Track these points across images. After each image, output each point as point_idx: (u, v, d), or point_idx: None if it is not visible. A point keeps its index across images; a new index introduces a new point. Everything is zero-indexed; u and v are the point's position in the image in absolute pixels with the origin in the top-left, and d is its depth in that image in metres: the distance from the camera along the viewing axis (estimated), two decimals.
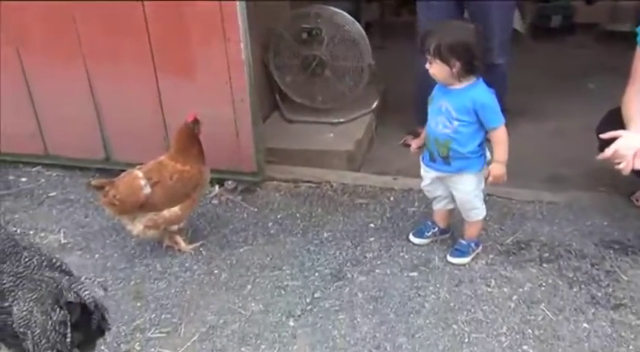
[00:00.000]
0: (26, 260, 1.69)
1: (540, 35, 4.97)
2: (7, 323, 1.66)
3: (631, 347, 2.04)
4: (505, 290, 2.30)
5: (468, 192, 2.32)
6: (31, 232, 2.73)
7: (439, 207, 2.50)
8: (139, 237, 2.50)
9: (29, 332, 1.63)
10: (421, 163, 2.41)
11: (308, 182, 3.01)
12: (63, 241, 2.67)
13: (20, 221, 2.81)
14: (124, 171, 2.50)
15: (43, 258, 1.74)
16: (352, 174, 3.10)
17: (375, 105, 3.55)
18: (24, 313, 1.64)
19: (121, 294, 2.35)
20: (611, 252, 2.46)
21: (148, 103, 2.86)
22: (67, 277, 1.76)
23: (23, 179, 3.17)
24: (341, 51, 3.28)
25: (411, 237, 2.56)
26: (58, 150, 3.16)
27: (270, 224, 2.74)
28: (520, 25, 4.81)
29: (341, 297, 2.29)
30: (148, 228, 2.42)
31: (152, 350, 2.10)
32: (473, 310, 2.21)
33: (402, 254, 2.51)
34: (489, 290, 2.30)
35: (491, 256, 2.47)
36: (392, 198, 2.87)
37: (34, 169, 3.23)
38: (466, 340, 2.09)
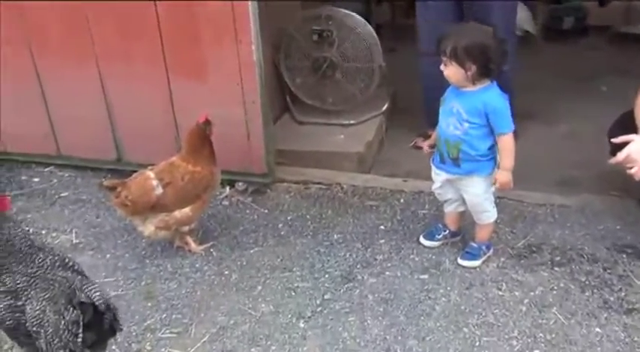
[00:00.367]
0: (40, 260, 1.71)
1: (552, 37, 4.94)
2: (20, 322, 1.68)
3: None
4: (516, 293, 2.29)
5: (477, 194, 2.31)
6: (44, 232, 2.75)
7: (450, 209, 2.49)
8: (150, 238, 2.51)
9: (42, 331, 1.65)
10: (431, 165, 2.40)
11: (318, 183, 3.01)
12: (75, 241, 2.69)
13: (33, 221, 2.83)
14: (135, 171, 2.51)
15: (57, 257, 1.75)
16: (362, 176, 3.10)
17: (385, 107, 3.55)
18: (37, 312, 1.65)
19: (132, 294, 2.36)
20: (624, 256, 2.44)
21: (159, 104, 2.87)
22: (79, 277, 1.78)
23: (36, 179, 3.20)
24: (352, 53, 3.28)
25: (422, 240, 2.56)
26: (71, 151, 3.19)
27: (280, 225, 2.74)
28: (532, 27, 4.79)
29: (351, 299, 2.29)
30: (159, 228, 2.43)
31: (163, 350, 2.11)
32: (484, 313, 2.20)
33: (412, 256, 2.50)
34: (500, 293, 2.29)
35: (502, 259, 2.46)
36: (402, 200, 2.87)
37: (46, 169, 3.25)
38: (477, 343, 2.08)
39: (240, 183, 2.97)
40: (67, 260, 1.79)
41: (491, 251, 2.46)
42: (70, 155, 3.20)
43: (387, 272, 2.42)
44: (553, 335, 2.10)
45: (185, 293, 2.36)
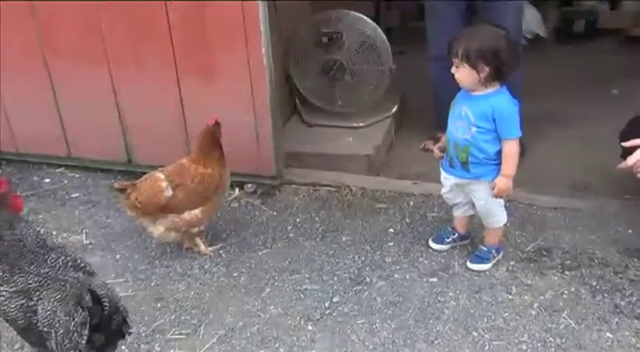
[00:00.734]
0: (52, 260, 1.72)
1: (564, 40, 4.92)
2: (31, 322, 1.69)
3: None
4: (526, 297, 2.27)
5: (486, 199, 2.30)
6: (54, 232, 2.77)
7: (459, 213, 2.48)
8: (160, 239, 2.52)
9: (53, 331, 1.66)
10: (441, 170, 2.39)
11: (327, 186, 3.01)
12: (85, 242, 2.71)
13: (44, 221, 2.85)
14: (145, 173, 2.52)
15: (69, 258, 1.76)
16: (371, 179, 3.10)
17: (394, 109, 3.55)
18: (48, 313, 1.66)
19: (142, 295, 2.37)
20: (636, 260, 2.42)
21: (170, 107, 2.89)
22: (90, 278, 1.79)
23: (47, 180, 3.22)
24: (361, 55, 3.28)
25: (431, 243, 2.55)
26: (81, 152, 3.21)
27: (289, 227, 2.74)
28: (542, 30, 4.77)
29: (360, 302, 2.29)
30: (168, 230, 2.44)
31: (171, 351, 2.12)
32: (493, 317, 2.19)
33: (421, 259, 2.50)
34: (510, 297, 2.28)
35: (512, 263, 2.44)
36: (411, 203, 2.86)
37: (57, 171, 3.28)
38: (486, 347, 2.07)
39: (249, 185, 2.98)
40: (78, 260, 1.80)
41: (500, 254, 2.45)
42: (81, 156, 3.22)
43: (396, 275, 2.41)
44: (563, 340, 2.08)
45: (194, 294, 2.37)
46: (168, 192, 2.38)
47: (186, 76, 2.81)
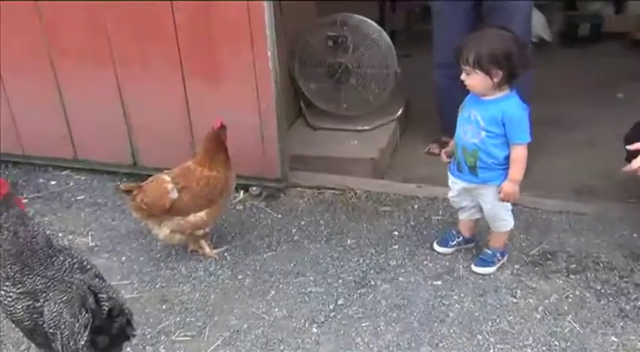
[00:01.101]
0: (59, 262, 1.73)
1: (568, 44, 4.92)
2: (38, 324, 1.70)
3: None
4: (531, 301, 2.27)
5: (493, 203, 2.30)
6: (60, 234, 2.78)
7: (465, 217, 2.48)
8: (165, 241, 2.53)
9: (58, 333, 1.67)
10: (449, 174, 2.39)
11: (332, 189, 3.01)
12: (90, 244, 2.72)
13: (49, 223, 2.87)
14: (150, 175, 2.53)
15: (75, 260, 1.77)
16: (376, 182, 3.10)
17: (399, 113, 3.55)
18: (54, 314, 1.67)
19: (147, 297, 2.38)
20: None
21: (175, 109, 2.90)
22: (96, 280, 1.80)
23: (53, 182, 3.24)
24: (366, 59, 3.29)
25: (435, 246, 2.55)
26: (87, 154, 3.22)
27: (293, 230, 2.75)
28: (547, 34, 4.77)
29: (364, 305, 2.29)
30: (174, 232, 2.45)
31: None
32: (498, 320, 2.19)
33: (426, 262, 2.50)
34: (515, 300, 2.28)
35: (516, 266, 2.44)
36: (416, 206, 2.86)
37: (63, 173, 3.29)
38: (491, 350, 2.07)
39: (254, 188, 2.99)
40: (84, 262, 1.81)
41: (505, 258, 2.45)
42: (87, 159, 3.23)
43: (401, 278, 2.42)
44: (568, 344, 2.08)
45: (199, 296, 2.37)
46: (174, 195, 2.39)
47: (192, 78, 2.82)
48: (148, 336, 2.18)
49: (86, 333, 1.65)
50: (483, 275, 2.40)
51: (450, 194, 2.43)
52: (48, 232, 2.69)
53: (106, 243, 2.72)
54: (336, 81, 3.38)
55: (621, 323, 2.15)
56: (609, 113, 3.58)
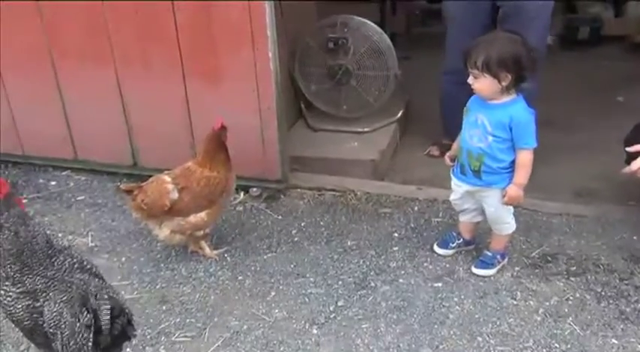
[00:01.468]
0: (59, 262, 1.72)
1: (568, 47, 4.92)
2: (37, 323, 1.70)
3: None
4: (531, 303, 2.27)
5: (497, 206, 2.29)
6: (60, 235, 2.77)
7: (466, 219, 2.48)
8: (165, 242, 2.53)
9: (59, 333, 1.66)
10: (452, 177, 2.38)
11: (332, 190, 3.01)
12: (90, 244, 2.72)
13: (49, 224, 2.86)
14: (151, 176, 2.53)
15: (75, 260, 1.77)
16: (376, 183, 3.10)
17: (399, 114, 3.56)
18: (54, 314, 1.67)
19: (147, 298, 2.37)
20: None
21: (176, 110, 2.90)
22: (96, 280, 1.79)
23: (53, 183, 3.23)
24: (367, 61, 3.30)
25: (436, 248, 2.55)
26: (87, 155, 3.22)
27: (294, 231, 2.75)
28: (548, 37, 4.78)
29: (364, 306, 2.29)
30: (174, 233, 2.45)
31: None
32: (498, 322, 2.19)
33: (426, 264, 2.50)
34: (515, 302, 2.27)
35: (516, 268, 2.44)
36: (416, 208, 2.86)
37: (63, 173, 3.29)
38: None
39: (254, 189, 2.99)
40: (84, 262, 1.81)
41: (505, 260, 2.45)
42: (87, 159, 3.23)
43: (401, 280, 2.41)
44: (568, 346, 2.08)
45: (199, 297, 2.37)
46: (174, 195, 2.39)
47: (193, 79, 2.82)
48: (148, 337, 2.18)
49: (90, 334, 1.64)
50: (483, 277, 2.40)
51: (453, 196, 2.43)
52: (48, 232, 2.71)
53: (106, 244, 2.71)
54: (336, 82, 3.39)
55: (621, 326, 2.15)
56: (609, 116, 3.59)
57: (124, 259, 2.61)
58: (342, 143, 3.33)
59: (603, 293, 2.30)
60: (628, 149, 2.27)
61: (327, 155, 3.22)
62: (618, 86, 4.13)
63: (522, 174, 2.19)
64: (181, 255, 2.60)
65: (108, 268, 2.48)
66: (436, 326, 2.18)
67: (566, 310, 2.23)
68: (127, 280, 2.47)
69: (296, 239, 2.69)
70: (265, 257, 2.59)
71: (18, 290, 1.68)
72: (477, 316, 2.22)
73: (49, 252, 1.71)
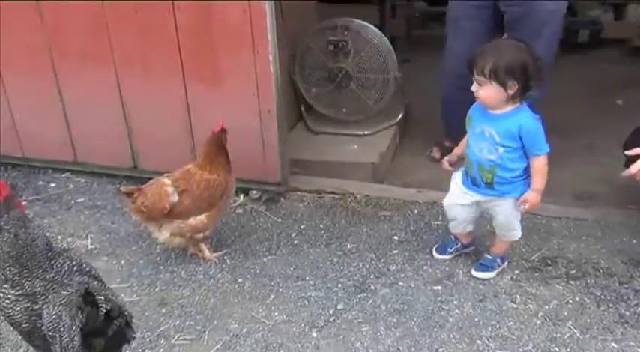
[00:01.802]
0: (59, 265, 1.72)
1: (568, 50, 4.91)
2: (36, 326, 1.69)
3: None
4: (531, 306, 2.27)
5: (508, 214, 2.27)
6: (59, 237, 2.77)
7: (457, 231, 2.46)
8: (165, 245, 2.53)
9: (57, 335, 1.66)
10: (459, 185, 2.32)
11: (332, 193, 3.01)
12: (90, 246, 2.71)
13: (49, 226, 2.86)
14: (150, 178, 2.53)
15: (74, 262, 1.77)
16: (376, 186, 3.10)
17: (399, 117, 3.56)
18: (53, 317, 1.66)
19: (146, 300, 2.37)
20: None
21: (176, 112, 2.90)
22: (95, 282, 1.79)
23: (52, 185, 3.23)
24: (367, 63, 3.30)
25: (434, 253, 2.54)
26: (87, 157, 3.22)
27: (293, 234, 2.75)
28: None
29: (364, 309, 2.29)
30: (174, 235, 2.45)
31: None
32: (498, 326, 2.19)
33: (425, 267, 2.50)
34: (514, 306, 2.27)
35: (516, 272, 2.44)
36: (416, 211, 2.86)
37: (63, 175, 3.28)
38: None
39: (254, 192, 2.99)
40: (83, 265, 1.81)
41: (505, 263, 2.45)
42: (87, 161, 3.23)
43: (401, 283, 2.41)
44: (568, 350, 2.08)
45: (198, 300, 2.37)
46: (174, 198, 2.39)
47: (193, 81, 2.82)
48: (147, 340, 2.18)
49: (77, 334, 1.64)
50: (483, 280, 2.40)
51: (459, 201, 2.34)
52: (47, 235, 2.71)
53: (106, 246, 2.71)
54: (336, 85, 3.39)
55: (621, 329, 2.15)
56: (609, 119, 3.59)
57: (123, 262, 2.60)
58: (342, 146, 3.33)
59: (603, 296, 2.30)
60: (627, 152, 2.28)
61: (327, 158, 3.23)
62: (618, 89, 4.13)
63: (539, 180, 2.16)
64: (181, 258, 2.60)
65: (107, 271, 2.48)
66: (436, 330, 2.18)
67: (566, 313, 2.23)
68: (126, 283, 2.47)
69: (296, 242, 2.69)
70: (265, 259, 2.58)
71: (17, 293, 1.68)
72: (476, 319, 2.22)
73: (49, 254, 1.71)
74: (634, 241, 2.59)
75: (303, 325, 2.22)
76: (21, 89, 3.11)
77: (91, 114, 3.05)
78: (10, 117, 3.19)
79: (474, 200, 2.31)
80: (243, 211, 2.93)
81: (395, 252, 2.59)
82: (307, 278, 2.46)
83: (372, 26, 3.29)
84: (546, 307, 2.26)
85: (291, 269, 2.52)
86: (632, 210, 2.79)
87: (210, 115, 2.70)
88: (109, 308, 1.71)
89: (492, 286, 2.38)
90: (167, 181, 2.43)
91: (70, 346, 1.64)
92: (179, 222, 2.43)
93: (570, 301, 2.28)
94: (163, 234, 2.45)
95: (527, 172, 2.20)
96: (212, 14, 2.65)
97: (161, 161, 2.92)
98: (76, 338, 1.64)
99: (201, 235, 2.50)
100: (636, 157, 2.19)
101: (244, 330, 2.21)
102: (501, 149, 2.13)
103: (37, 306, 1.69)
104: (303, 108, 3.55)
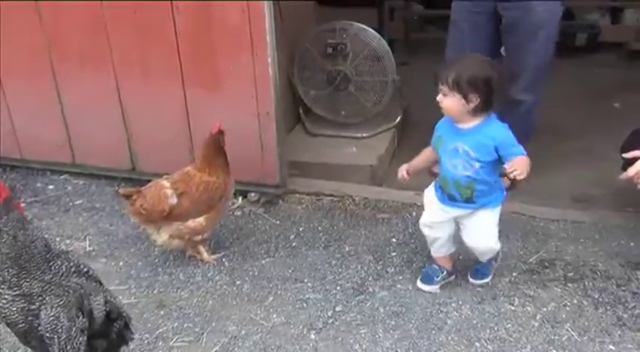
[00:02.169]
0: (56, 266, 1.72)
1: (565, 54, 4.93)
2: (33, 326, 1.69)
3: None
4: (529, 308, 2.27)
5: (489, 223, 2.21)
6: (58, 239, 2.77)
7: (440, 254, 2.37)
8: (164, 247, 2.53)
9: (55, 337, 1.65)
10: (436, 201, 2.25)
11: (330, 195, 3.02)
12: (88, 248, 2.71)
13: (47, 228, 2.86)
14: (149, 181, 2.53)
15: (72, 263, 1.76)
16: (374, 189, 3.11)
17: (397, 120, 3.56)
18: (51, 318, 1.66)
19: (145, 302, 2.37)
20: (638, 273, 2.42)
21: (175, 115, 2.90)
22: (93, 284, 1.79)
23: (51, 186, 3.23)
24: (365, 66, 3.31)
25: (419, 284, 2.38)
26: (86, 159, 3.22)
27: (292, 236, 2.75)
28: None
29: (362, 312, 2.29)
30: (172, 237, 2.45)
31: None
32: (496, 328, 2.19)
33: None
34: (512, 308, 2.28)
35: (514, 274, 2.45)
36: (414, 214, 2.86)
37: (61, 177, 3.28)
38: None
39: (252, 194, 2.99)
40: (81, 266, 1.80)
41: (499, 260, 2.42)
42: (85, 163, 3.23)
43: (399, 285, 2.42)
44: None
45: (197, 302, 2.37)
46: (173, 200, 2.39)
47: (192, 83, 2.82)
48: (146, 342, 2.18)
49: (84, 338, 1.64)
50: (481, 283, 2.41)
51: (436, 218, 2.28)
52: (46, 236, 2.70)
53: (104, 248, 2.71)
54: (335, 88, 3.40)
55: (619, 332, 2.15)
56: (606, 123, 3.60)
57: (121, 263, 2.60)
58: (340, 148, 3.33)
59: (600, 299, 2.30)
60: (625, 155, 2.28)
61: (326, 160, 3.23)
62: (615, 92, 4.14)
63: (523, 158, 2.03)
64: (179, 260, 2.60)
65: (105, 272, 2.47)
66: (434, 332, 2.18)
67: (564, 316, 2.23)
68: (124, 285, 2.47)
69: (294, 244, 2.69)
70: (263, 262, 2.59)
71: (14, 293, 1.68)
72: (474, 322, 2.22)
73: (47, 256, 1.70)
74: (632, 244, 2.59)
75: (301, 327, 2.22)
76: (20, 91, 3.11)
77: (90, 116, 3.06)
78: (8, 119, 3.19)
79: (451, 216, 2.25)
80: (241, 213, 2.93)
81: (393, 254, 2.60)
82: (305, 280, 2.46)
83: (370, 29, 3.30)
84: (544, 309, 2.26)
85: (290, 271, 2.52)
86: (629, 213, 2.79)
87: (208, 117, 2.70)
88: (108, 309, 1.71)
89: (490, 288, 2.38)
90: (166, 183, 2.43)
91: (68, 347, 1.65)
92: (178, 224, 2.43)
93: (568, 303, 2.29)
94: (162, 236, 2.45)
95: (500, 179, 2.19)
96: (211, 15, 2.65)
97: (160, 163, 2.92)
98: (79, 339, 1.63)
99: (199, 237, 2.50)
100: (634, 160, 2.20)
101: (243, 332, 2.21)
102: (477, 164, 2.08)
103: (33, 307, 1.68)
104: (301, 111, 3.56)
